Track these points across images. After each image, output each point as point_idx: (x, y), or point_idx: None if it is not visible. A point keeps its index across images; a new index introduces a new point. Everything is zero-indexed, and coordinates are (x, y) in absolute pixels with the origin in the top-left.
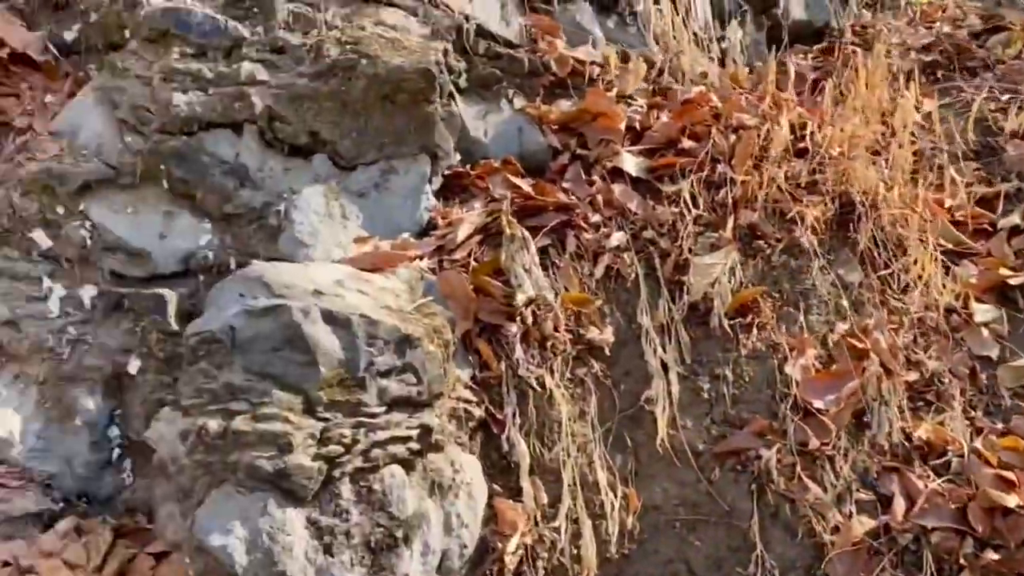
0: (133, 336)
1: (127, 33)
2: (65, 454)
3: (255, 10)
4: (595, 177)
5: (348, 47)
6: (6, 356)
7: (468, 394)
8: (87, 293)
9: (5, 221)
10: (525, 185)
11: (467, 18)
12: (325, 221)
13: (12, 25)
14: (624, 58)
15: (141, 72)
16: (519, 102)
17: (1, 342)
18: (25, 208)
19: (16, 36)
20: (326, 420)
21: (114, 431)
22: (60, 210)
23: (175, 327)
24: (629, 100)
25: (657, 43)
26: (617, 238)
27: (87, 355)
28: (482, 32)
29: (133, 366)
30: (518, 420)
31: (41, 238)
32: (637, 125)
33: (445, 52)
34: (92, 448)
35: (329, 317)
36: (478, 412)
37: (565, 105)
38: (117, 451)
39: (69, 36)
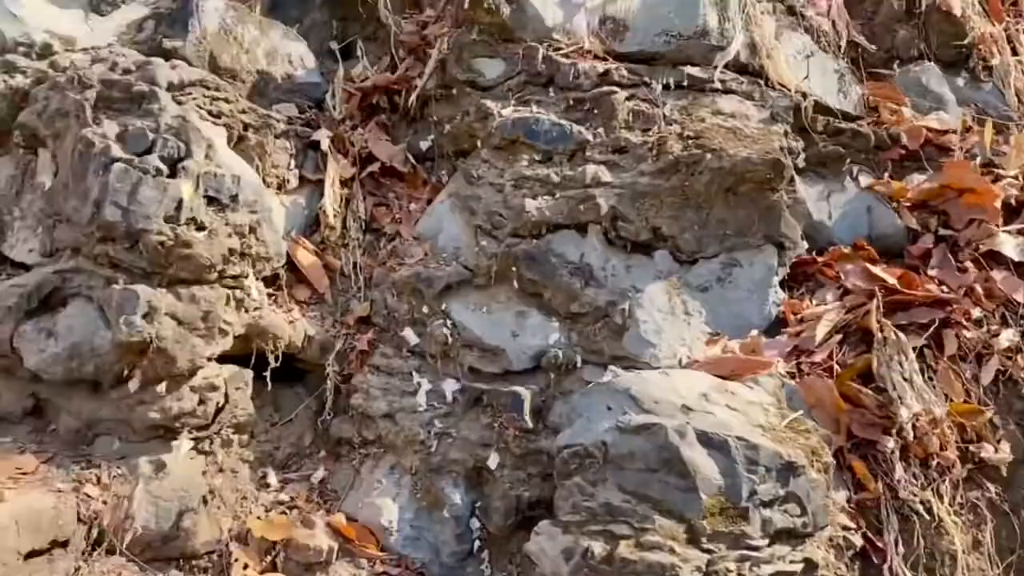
0: (491, 431)
1: (477, 142)
2: (434, 543)
3: (595, 111)
4: (967, 263)
5: (690, 141)
6: (384, 448)
7: (845, 519)
8: (449, 387)
9: (381, 321)
10: (888, 276)
11: (804, 95)
12: (668, 318)
13: (380, 140)
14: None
15: (493, 180)
16: (865, 179)
17: (381, 435)
18: (397, 308)
19: (384, 150)
20: (710, 552)
21: (475, 523)
22: (425, 310)
23: (530, 424)
24: (995, 171)
25: (1019, 99)
26: (1006, 336)
27: (452, 448)
28: (820, 107)
29: (492, 461)
30: (901, 549)
31: (410, 336)
32: (1012, 200)
33: (785, 134)
34: (457, 539)
35: (704, 439)
36: (856, 539)
37: (920, 180)
38: (478, 543)
39: (424, 145)
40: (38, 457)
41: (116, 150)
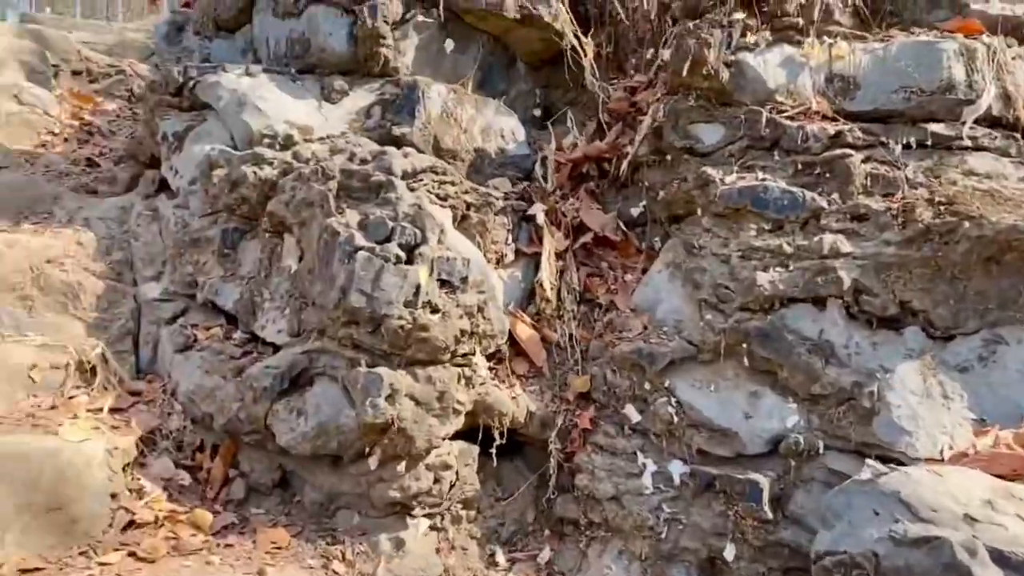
0: (725, 519)
1: (697, 209)
2: None
3: (828, 176)
4: None
5: (942, 208)
6: (611, 531)
7: None
8: (676, 469)
9: (601, 397)
10: None
11: None
12: (924, 402)
13: (591, 210)
14: None
15: (717, 250)
16: None
17: (607, 517)
18: (618, 385)
19: (595, 219)
20: None
21: None
22: (647, 386)
23: (769, 514)
24: None
25: None
26: None
27: (683, 535)
28: None
29: (729, 552)
30: None
31: (632, 413)
32: None
33: None
34: None
35: (999, 557)
36: None
37: None
38: None
39: (635, 212)
40: (289, 531)
41: (359, 239)
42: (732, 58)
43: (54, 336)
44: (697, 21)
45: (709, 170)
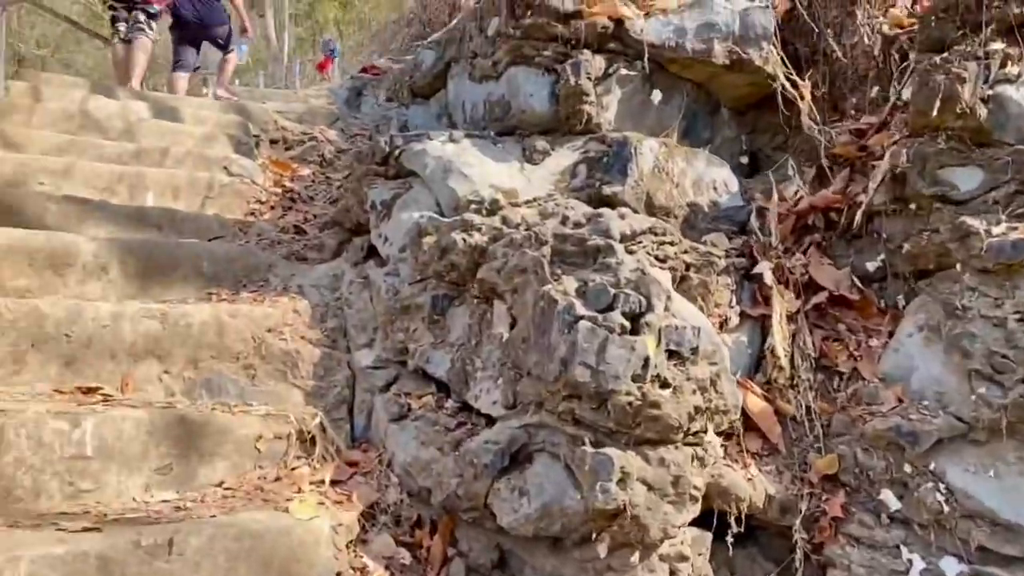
0: None
1: (956, 264)
2: None
3: None
4: None
5: None
6: None
7: None
8: (950, 568)
9: (851, 479)
10: None
11: None
12: None
13: (822, 265)
14: None
15: (987, 312)
16: None
17: None
18: (871, 466)
19: (827, 276)
20: None
21: None
22: (908, 469)
23: None
24: None
25: None
26: None
27: None
28: None
29: None
30: None
31: (890, 499)
32: None
33: None
34: None
35: None
36: None
37: None
38: None
39: (871, 266)
40: None
41: (579, 307)
42: (990, 92)
43: (276, 405)
44: (944, 55)
45: (969, 220)
